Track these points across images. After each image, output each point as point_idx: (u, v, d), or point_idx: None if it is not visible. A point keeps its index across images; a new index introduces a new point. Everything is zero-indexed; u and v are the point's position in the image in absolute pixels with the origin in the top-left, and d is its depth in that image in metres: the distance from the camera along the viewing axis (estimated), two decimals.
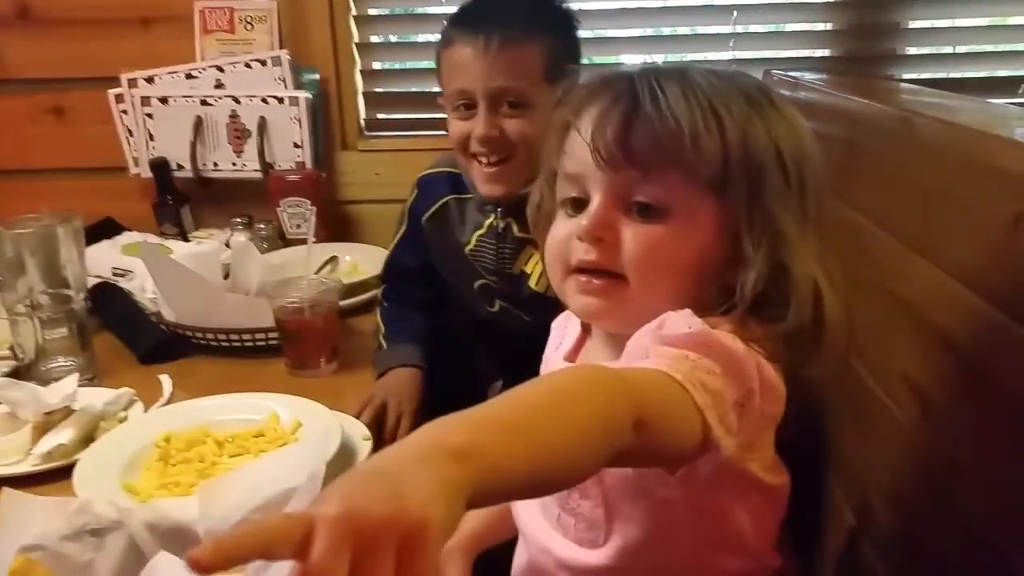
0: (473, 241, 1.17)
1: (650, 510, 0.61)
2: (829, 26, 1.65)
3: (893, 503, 0.78)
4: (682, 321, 0.56)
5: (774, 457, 0.62)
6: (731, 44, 1.61)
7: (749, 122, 0.60)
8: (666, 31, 1.68)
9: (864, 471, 0.86)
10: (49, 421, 0.93)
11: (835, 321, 0.60)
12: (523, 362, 0.85)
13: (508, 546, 0.80)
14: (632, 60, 1.68)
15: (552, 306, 0.97)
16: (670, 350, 0.53)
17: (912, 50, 1.66)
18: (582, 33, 1.63)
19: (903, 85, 1.37)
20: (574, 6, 1.58)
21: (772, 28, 1.64)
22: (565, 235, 0.63)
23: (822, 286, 0.61)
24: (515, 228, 1.13)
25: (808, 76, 1.41)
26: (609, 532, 0.63)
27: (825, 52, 1.66)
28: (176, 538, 0.72)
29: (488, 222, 1.15)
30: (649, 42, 1.68)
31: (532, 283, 1.14)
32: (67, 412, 0.94)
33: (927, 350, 0.74)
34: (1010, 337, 0.60)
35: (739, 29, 1.60)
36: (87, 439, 0.94)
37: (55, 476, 0.88)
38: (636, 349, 0.56)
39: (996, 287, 0.64)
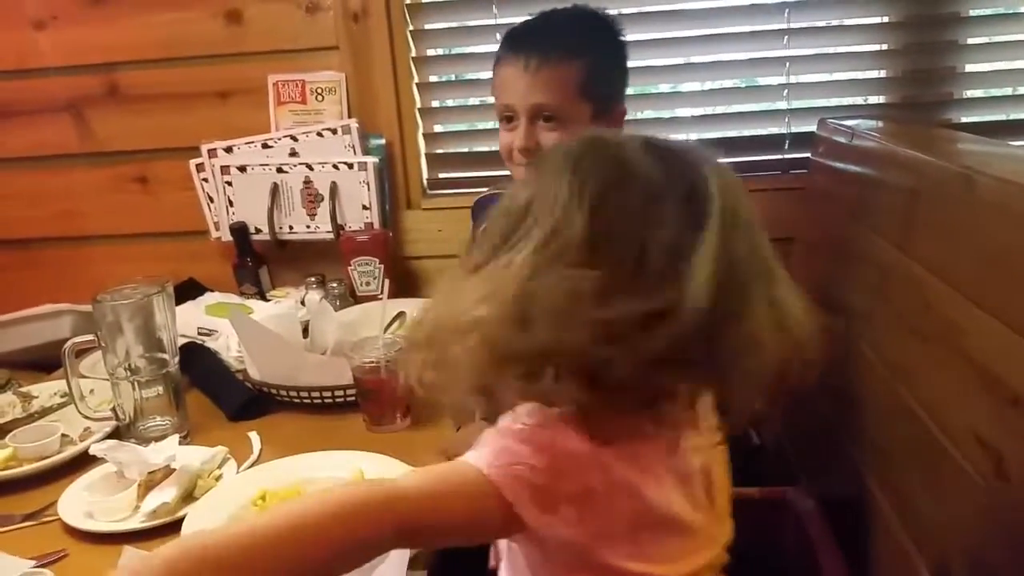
0: None
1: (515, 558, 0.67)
2: (882, 73, 1.67)
3: (971, 562, 0.78)
4: (523, 413, 0.62)
5: (666, 548, 0.65)
6: (785, 94, 1.65)
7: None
8: (721, 84, 1.72)
9: (939, 529, 0.86)
10: (152, 479, 0.99)
11: None
12: None
13: None
14: (688, 113, 1.72)
15: None
16: (501, 440, 0.60)
17: (969, 93, 1.67)
18: (640, 89, 1.70)
19: (961, 135, 1.37)
20: (651, 63, 1.66)
21: (825, 78, 1.66)
22: None
23: None
24: None
25: (864, 125, 1.43)
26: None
27: (880, 99, 1.68)
28: None
29: None
30: (705, 96, 1.72)
31: None
32: (168, 471, 1.00)
33: (996, 407, 0.75)
34: None
35: (793, 80, 1.63)
36: (187, 496, 1.00)
37: (160, 532, 0.94)
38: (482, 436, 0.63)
39: None
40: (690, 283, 0.56)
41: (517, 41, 1.17)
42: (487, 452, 0.60)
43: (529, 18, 1.24)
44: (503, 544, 0.72)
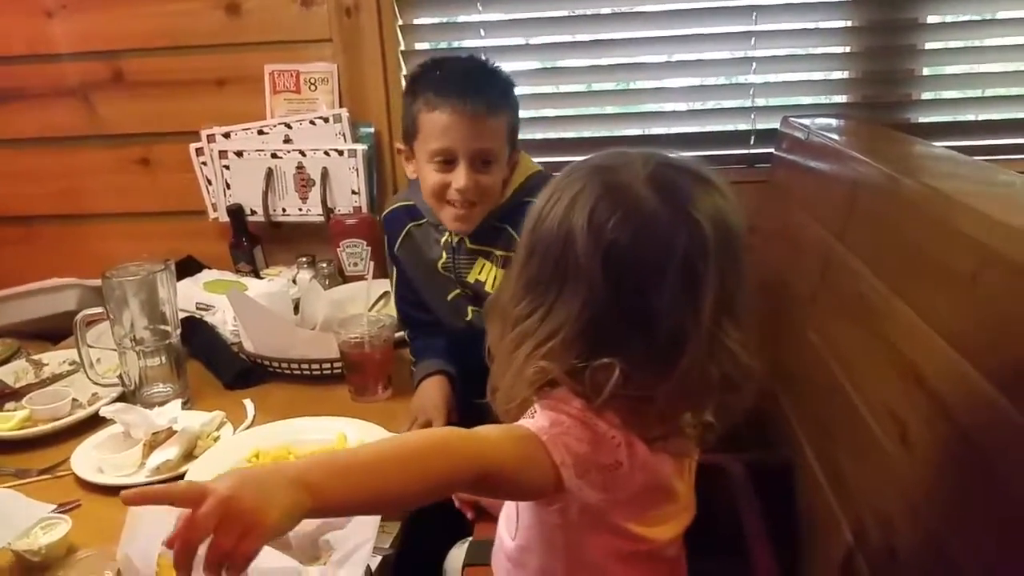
0: (444, 256, 1.34)
1: (538, 523, 0.78)
2: (845, 75, 1.76)
3: (880, 522, 0.88)
4: (568, 398, 0.73)
5: (660, 514, 0.78)
6: (751, 93, 1.74)
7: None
8: (692, 81, 1.80)
9: (859, 491, 0.96)
10: (156, 439, 1.09)
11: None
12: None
13: None
14: (659, 108, 1.82)
15: None
16: (552, 413, 0.72)
17: (926, 95, 1.76)
18: (616, 85, 1.80)
19: (908, 137, 1.46)
20: (622, 60, 1.75)
21: (790, 77, 1.76)
22: None
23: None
24: (467, 242, 1.31)
25: (820, 124, 1.52)
26: (517, 529, 0.81)
27: (842, 98, 1.77)
28: None
29: (444, 239, 1.33)
30: (675, 93, 1.81)
31: (489, 288, 1.30)
32: (171, 432, 1.11)
33: (905, 385, 0.85)
34: (967, 379, 0.71)
35: (759, 79, 1.73)
36: (187, 455, 1.10)
37: (163, 482, 1.04)
38: (529, 412, 0.74)
39: (959, 334, 0.75)
40: (689, 346, 0.70)
41: (454, 90, 1.21)
42: (543, 422, 0.71)
43: (438, 67, 1.28)
44: (512, 513, 0.83)
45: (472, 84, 1.22)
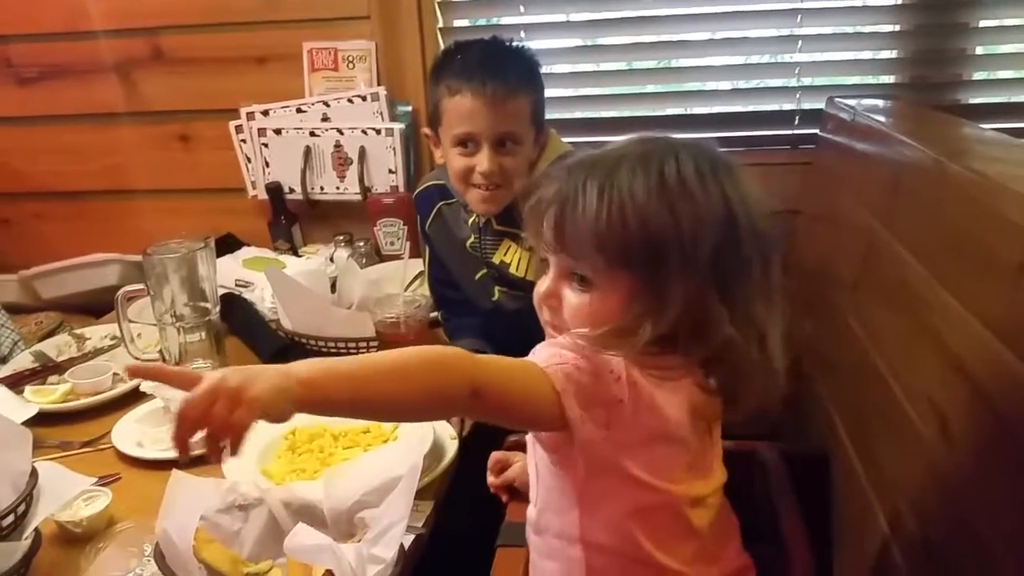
0: (471, 236, 1.34)
1: (555, 482, 0.78)
2: (894, 54, 1.72)
3: (916, 512, 0.87)
4: (572, 336, 0.74)
5: (672, 465, 0.77)
6: (797, 72, 1.70)
7: (652, 211, 0.71)
8: (736, 60, 1.77)
9: (896, 481, 0.95)
10: None
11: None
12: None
13: None
14: (700, 87, 1.79)
15: None
16: (550, 348, 0.72)
17: (979, 75, 1.71)
18: (658, 63, 1.78)
19: (957, 119, 1.42)
20: (664, 38, 1.73)
21: (836, 57, 1.71)
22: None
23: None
24: (493, 223, 1.31)
25: (866, 105, 1.48)
26: (537, 493, 0.82)
27: (890, 79, 1.73)
28: (305, 513, 0.89)
29: (471, 220, 1.33)
30: (718, 71, 1.78)
31: (513, 270, 1.31)
32: None
33: (945, 375, 0.83)
34: (1010, 370, 0.69)
35: (804, 58, 1.69)
36: None
37: (202, 460, 1.03)
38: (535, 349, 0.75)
39: (1003, 324, 0.73)
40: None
41: (474, 73, 1.21)
42: (543, 355, 0.72)
43: (459, 51, 1.28)
44: (533, 478, 0.83)
45: (492, 66, 1.22)
